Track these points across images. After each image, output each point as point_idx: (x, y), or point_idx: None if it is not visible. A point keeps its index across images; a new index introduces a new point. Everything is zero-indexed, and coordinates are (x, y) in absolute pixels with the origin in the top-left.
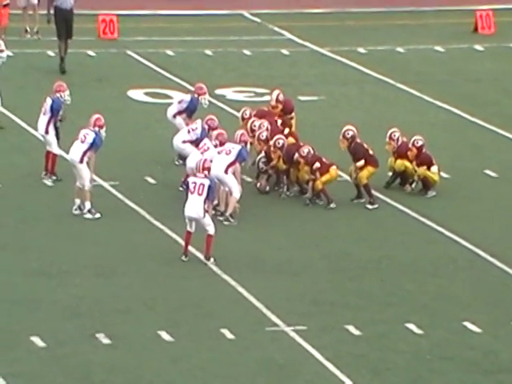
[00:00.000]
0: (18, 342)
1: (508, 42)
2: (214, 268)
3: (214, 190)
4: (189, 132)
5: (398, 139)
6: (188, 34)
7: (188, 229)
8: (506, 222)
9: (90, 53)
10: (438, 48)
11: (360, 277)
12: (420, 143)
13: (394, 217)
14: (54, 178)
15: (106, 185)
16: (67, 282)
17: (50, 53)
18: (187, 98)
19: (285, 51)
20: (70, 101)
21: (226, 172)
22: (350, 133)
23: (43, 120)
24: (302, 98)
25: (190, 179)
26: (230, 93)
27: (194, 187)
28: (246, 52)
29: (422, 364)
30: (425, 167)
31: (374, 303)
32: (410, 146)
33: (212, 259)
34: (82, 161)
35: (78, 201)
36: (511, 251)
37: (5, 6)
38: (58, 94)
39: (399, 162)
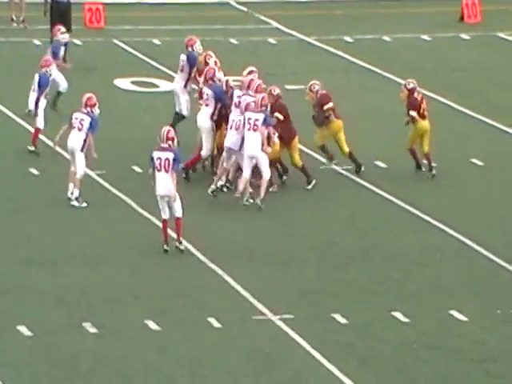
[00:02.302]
0: (5, 332)
1: (494, 31)
2: (201, 257)
3: (179, 162)
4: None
5: (317, 91)
6: (175, 22)
7: (163, 216)
8: (492, 211)
9: (77, 42)
10: (425, 37)
11: (347, 266)
12: (411, 85)
13: (381, 205)
14: (33, 149)
15: (93, 174)
16: (55, 271)
17: (37, 41)
18: (183, 57)
19: (272, 40)
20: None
21: (262, 150)
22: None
23: (32, 96)
24: (289, 87)
25: (155, 154)
26: None
27: (160, 164)
28: (233, 41)
29: (409, 352)
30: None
31: (360, 292)
32: (402, 87)
33: (183, 242)
34: (82, 149)
35: (71, 185)
36: (498, 240)
37: None
38: (43, 70)
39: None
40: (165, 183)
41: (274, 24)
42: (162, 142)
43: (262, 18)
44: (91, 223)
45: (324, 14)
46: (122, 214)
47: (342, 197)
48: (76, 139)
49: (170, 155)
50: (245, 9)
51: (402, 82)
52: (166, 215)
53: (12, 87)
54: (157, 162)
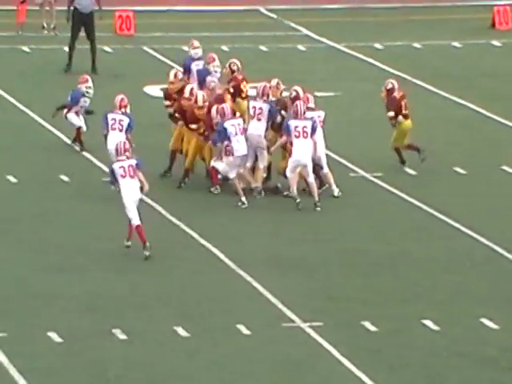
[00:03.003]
0: (35, 337)
1: None
2: (230, 263)
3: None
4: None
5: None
6: (204, 29)
7: (137, 223)
8: None
9: (107, 49)
10: (455, 44)
11: (376, 273)
12: (390, 86)
13: (410, 212)
14: (79, 147)
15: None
16: (84, 277)
17: (67, 49)
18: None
19: (301, 47)
20: (92, 93)
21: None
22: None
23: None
24: (319, 94)
25: (116, 165)
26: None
27: (124, 170)
28: (263, 48)
29: (439, 361)
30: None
31: (389, 299)
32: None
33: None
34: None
35: None
36: None
37: (22, 2)
38: (78, 86)
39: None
40: (135, 187)
41: (304, 31)
42: (120, 156)
43: (292, 24)
44: (120, 229)
45: (354, 20)
46: (150, 221)
47: (370, 203)
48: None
49: (133, 162)
50: (274, 16)
51: (433, 89)
52: (139, 221)
53: (42, 93)
54: (121, 171)
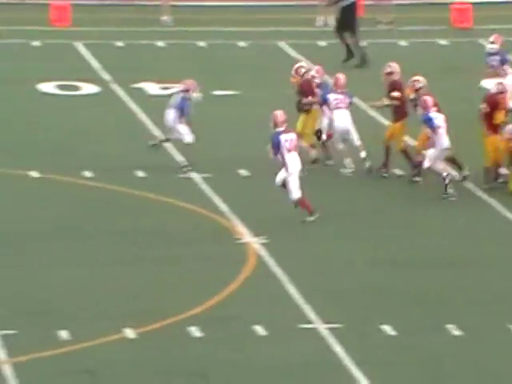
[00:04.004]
0: (369, 330)
1: None
2: None
3: None
4: None
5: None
6: None
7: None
8: None
9: (443, 42)
10: None
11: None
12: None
13: (495, 215)
14: None
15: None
16: (417, 272)
17: (403, 43)
18: None
19: None
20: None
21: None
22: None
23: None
24: None
25: (282, 136)
26: None
27: (290, 144)
28: None
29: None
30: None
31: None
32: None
33: None
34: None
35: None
36: None
37: None
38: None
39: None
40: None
41: None
42: (280, 126)
43: None
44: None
45: None
46: (483, 215)
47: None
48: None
49: (293, 136)
50: None
51: None
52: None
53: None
54: (286, 144)
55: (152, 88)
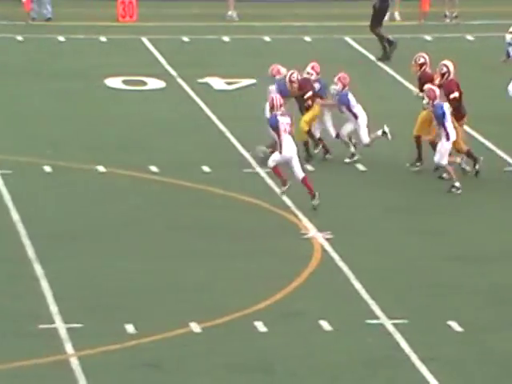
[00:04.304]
0: (436, 326)
1: None
2: None
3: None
4: None
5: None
6: None
7: (302, 175)
8: None
9: None
10: None
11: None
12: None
13: None
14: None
15: None
16: (487, 268)
17: (469, 37)
18: None
19: None
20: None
21: None
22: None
23: None
24: None
25: (280, 118)
26: None
27: (284, 126)
28: None
29: None
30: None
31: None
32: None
33: None
34: None
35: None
36: None
37: None
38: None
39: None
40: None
41: None
42: (277, 110)
43: None
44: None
45: None
46: None
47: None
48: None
49: (289, 120)
50: None
51: None
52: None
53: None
54: (282, 126)
55: (217, 83)
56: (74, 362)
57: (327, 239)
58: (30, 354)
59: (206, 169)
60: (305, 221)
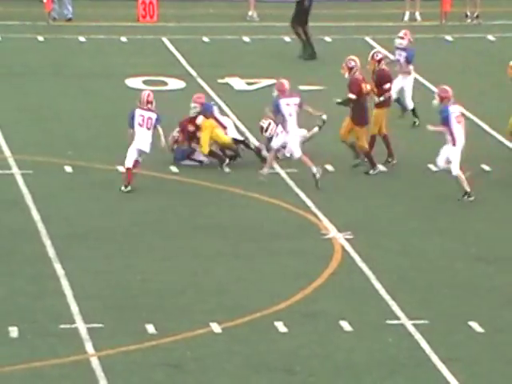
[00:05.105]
0: (457, 326)
1: None
2: None
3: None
4: None
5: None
6: None
7: (128, 165)
8: None
9: None
10: None
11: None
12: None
13: None
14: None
15: None
16: (505, 268)
17: (490, 37)
18: None
19: None
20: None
21: None
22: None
23: None
24: None
25: (138, 111)
26: None
27: (143, 120)
28: None
29: None
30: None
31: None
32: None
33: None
34: None
35: None
36: None
37: None
38: None
39: None
40: (146, 139)
41: None
42: (142, 105)
43: None
44: None
45: None
46: None
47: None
48: None
49: (153, 115)
50: None
51: None
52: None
53: (466, 83)
54: (140, 119)
55: (238, 83)
56: (95, 362)
57: (347, 239)
58: (50, 353)
59: (226, 169)
60: (325, 221)
